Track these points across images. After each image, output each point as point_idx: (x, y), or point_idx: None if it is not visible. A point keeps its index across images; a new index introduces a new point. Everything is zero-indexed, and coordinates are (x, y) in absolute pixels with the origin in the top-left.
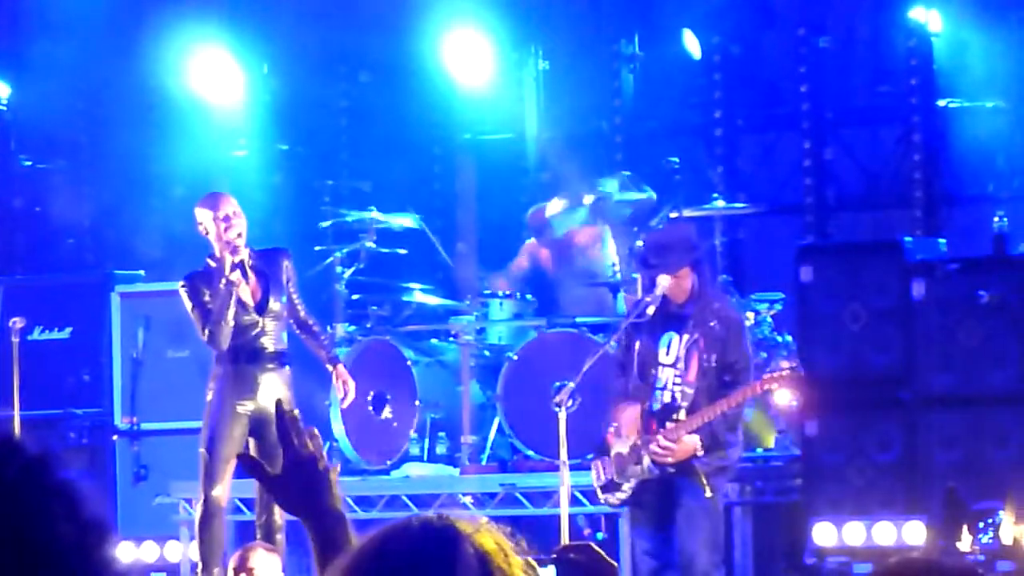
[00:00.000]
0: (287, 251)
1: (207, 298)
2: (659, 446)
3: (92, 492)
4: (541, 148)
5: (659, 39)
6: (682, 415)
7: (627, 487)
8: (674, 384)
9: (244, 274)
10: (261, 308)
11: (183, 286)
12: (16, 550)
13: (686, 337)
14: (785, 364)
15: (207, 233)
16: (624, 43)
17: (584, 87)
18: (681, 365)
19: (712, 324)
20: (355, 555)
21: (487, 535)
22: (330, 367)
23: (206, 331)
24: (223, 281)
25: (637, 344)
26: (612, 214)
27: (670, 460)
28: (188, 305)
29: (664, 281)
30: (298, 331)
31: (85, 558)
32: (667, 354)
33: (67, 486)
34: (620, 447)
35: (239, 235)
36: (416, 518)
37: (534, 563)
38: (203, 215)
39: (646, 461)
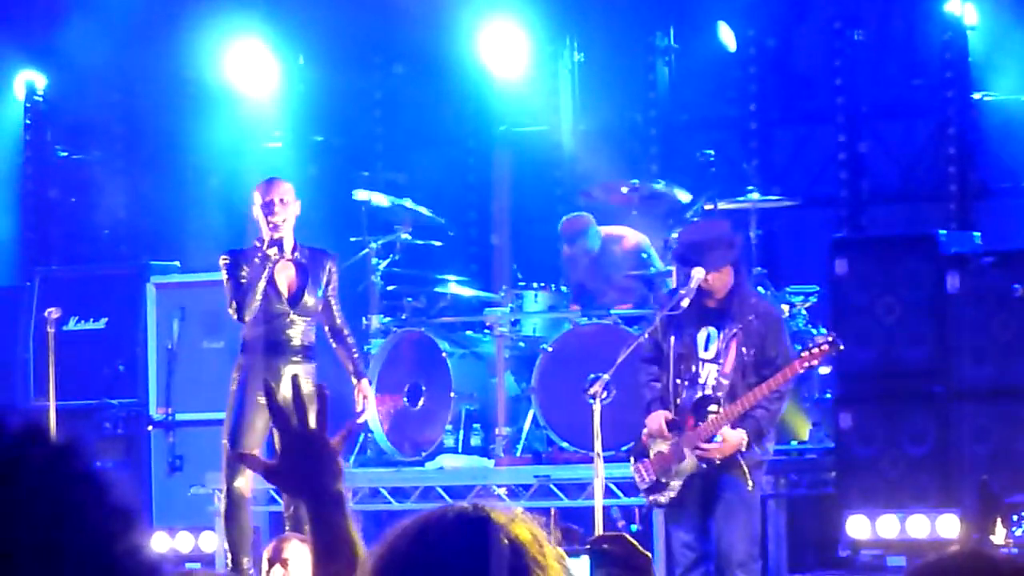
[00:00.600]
0: (335, 255)
1: (243, 273)
2: (702, 447)
3: (127, 482)
4: (576, 140)
5: (694, 32)
6: (718, 408)
7: (675, 485)
8: (713, 379)
9: (281, 252)
10: (294, 300)
11: (224, 258)
12: (43, 538)
13: (725, 332)
14: (820, 339)
15: (257, 216)
16: (659, 36)
17: (619, 80)
18: (722, 360)
19: (751, 319)
20: (390, 543)
21: (522, 525)
22: (354, 380)
23: (234, 303)
24: (258, 256)
25: (672, 339)
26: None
27: (718, 456)
28: (224, 277)
29: (699, 274)
30: (331, 338)
31: (113, 545)
32: (706, 350)
33: (95, 474)
34: (659, 446)
35: (283, 220)
36: (451, 508)
37: (564, 554)
38: (255, 197)
39: (690, 457)
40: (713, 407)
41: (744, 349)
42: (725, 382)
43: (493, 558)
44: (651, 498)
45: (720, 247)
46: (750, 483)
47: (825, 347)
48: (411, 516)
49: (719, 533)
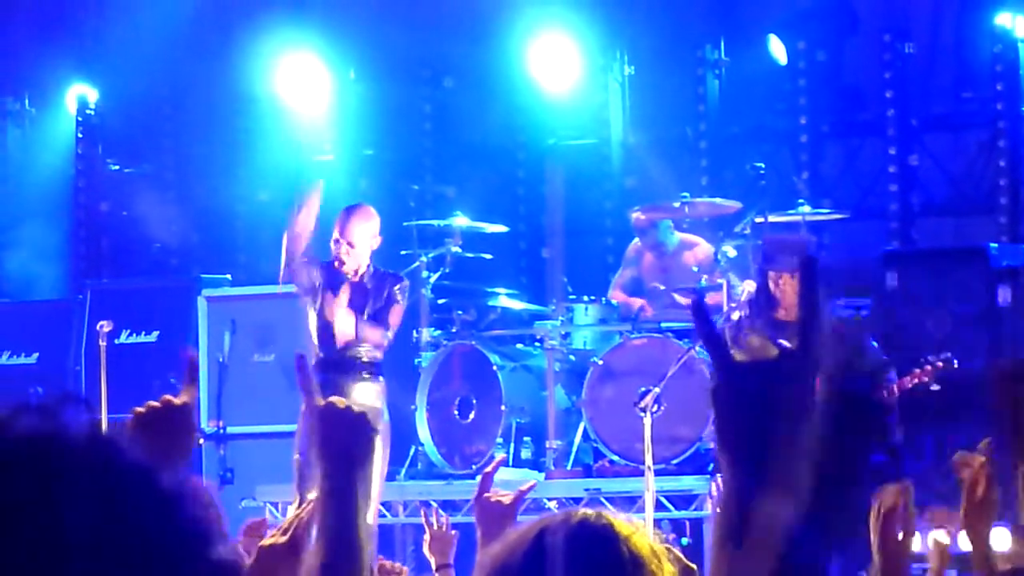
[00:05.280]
0: (402, 279)
1: (315, 275)
2: None
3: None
4: (626, 153)
5: (744, 44)
6: None
7: None
8: None
9: (339, 272)
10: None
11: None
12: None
13: None
14: (934, 358)
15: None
16: (709, 48)
17: (669, 92)
18: None
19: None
20: (508, 545)
21: (643, 539)
22: None
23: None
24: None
25: None
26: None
27: None
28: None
29: (749, 287)
30: None
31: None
32: None
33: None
34: None
35: (351, 261)
36: (574, 514)
37: (694, 567)
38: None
39: None
40: None
41: None
42: None
43: (612, 570)
44: None
45: (797, 251)
46: None
47: (940, 364)
48: (461, 530)
49: None
